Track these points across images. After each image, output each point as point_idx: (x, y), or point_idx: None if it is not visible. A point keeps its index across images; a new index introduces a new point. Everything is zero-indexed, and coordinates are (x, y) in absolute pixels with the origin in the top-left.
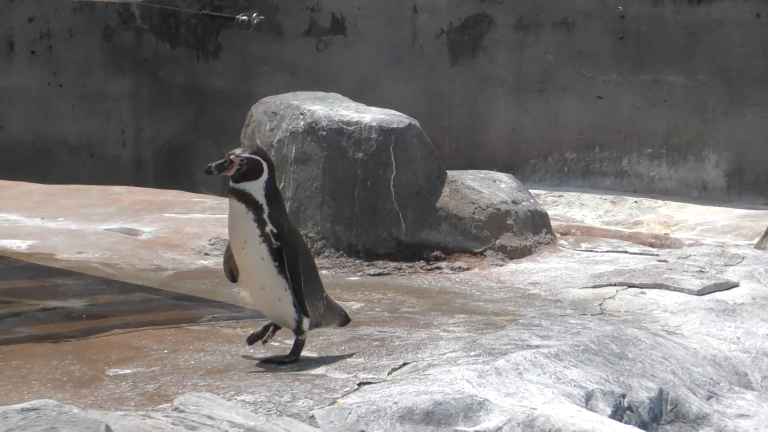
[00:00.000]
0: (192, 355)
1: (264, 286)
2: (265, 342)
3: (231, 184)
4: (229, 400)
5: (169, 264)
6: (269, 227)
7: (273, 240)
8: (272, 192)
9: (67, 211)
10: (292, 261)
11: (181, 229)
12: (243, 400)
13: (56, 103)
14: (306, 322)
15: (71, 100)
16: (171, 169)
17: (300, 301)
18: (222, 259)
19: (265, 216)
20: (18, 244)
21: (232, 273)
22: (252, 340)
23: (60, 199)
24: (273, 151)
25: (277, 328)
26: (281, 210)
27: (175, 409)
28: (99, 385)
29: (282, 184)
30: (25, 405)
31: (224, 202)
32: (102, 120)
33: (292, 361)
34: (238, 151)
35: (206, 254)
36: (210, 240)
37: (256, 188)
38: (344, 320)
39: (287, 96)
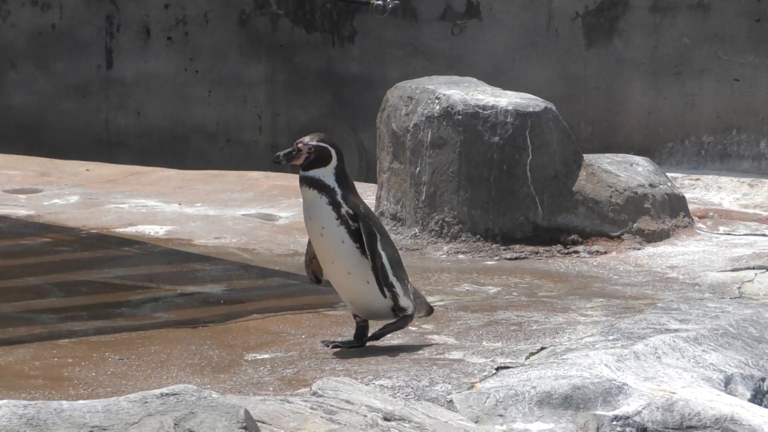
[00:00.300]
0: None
1: (349, 271)
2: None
3: (301, 172)
4: (367, 384)
5: None
6: (344, 208)
7: (350, 221)
8: (342, 177)
9: (204, 196)
10: (370, 238)
11: None
12: (381, 385)
13: (192, 89)
14: (403, 299)
15: (207, 86)
16: None
17: (384, 279)
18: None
19: (339, 197)
20: (156, 230)
21: (315, 275)
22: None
23: (197, 185)
24: (409, 136)
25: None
26: (354, 193)
27: (314, 393)
28: (237, 370)
29: (418, 168)
30: (165, 390)
31: (360, 187)
32: (238, 105)
33: (401, 326)
34: (306, 139)
35: None
36: None
37: (326, 174)
38: (429, 310)
39: (422, 80)
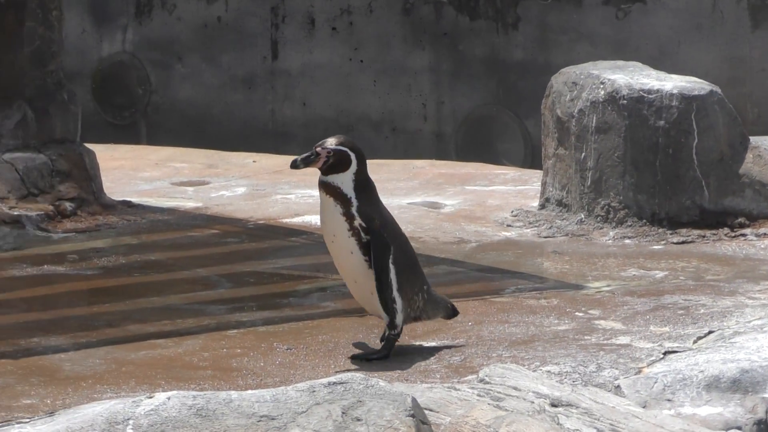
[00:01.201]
0: (496, 327)
1: (356, 280)
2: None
3: (320, 176)
4: (534, 371)
5: (472, 236)
6: (357, 221)
7: (362, 234)
8: (362, 184)
9: None
10: (378, 257)
11: (483, 201)
12: (548, 371)
13: (357, 78)
14: (399, 317)
15: (372, 76)
16: (472, 142)
17: (384, 299)
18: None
19: (354, 210)
20: None
21: None
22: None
23: None
24: (573, 122)
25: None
26: (372, 203)
27: (481, 380)
28: (404, 359)
29: (583, 154)
30: (332, 379)
31: (525, 173)
32: (402, 94)
33: (383, 356)
34: (329, 142)
35: (509, 226)
36: (512, 212)
37: (345, 181)
38: (450, 312)
39: (587, 66)
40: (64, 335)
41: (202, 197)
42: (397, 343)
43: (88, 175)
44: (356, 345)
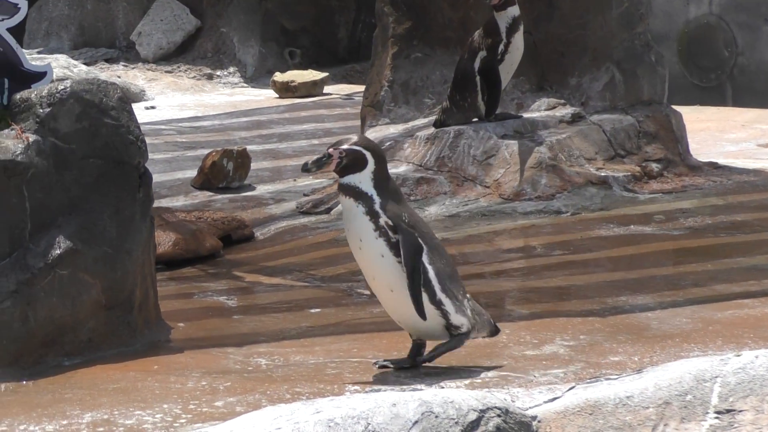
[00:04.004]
0: None
1: (392, 288)
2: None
3: (338, 181)
4: None
5: None
6: (383, 219)
7: (390, 233)
8: (383, 182)
9: None
10: (408, 254)
11: None
12: None
13: None
14: (456, 316)
15: None
16: None
17: (416, 300)
18: None
19: (377, 207)
20: None
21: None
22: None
23: None
24: None
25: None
26: (397, 201)
27: None
28: None
29: None
30: None
31: None
32: None
33: (453, 347)
34: (343, 143)
35: None
36: None
37: (363, 180)
38: (494, 330)
39: None
40: (651, 294)
41: None
42: None
43: (674, 137)
44: None
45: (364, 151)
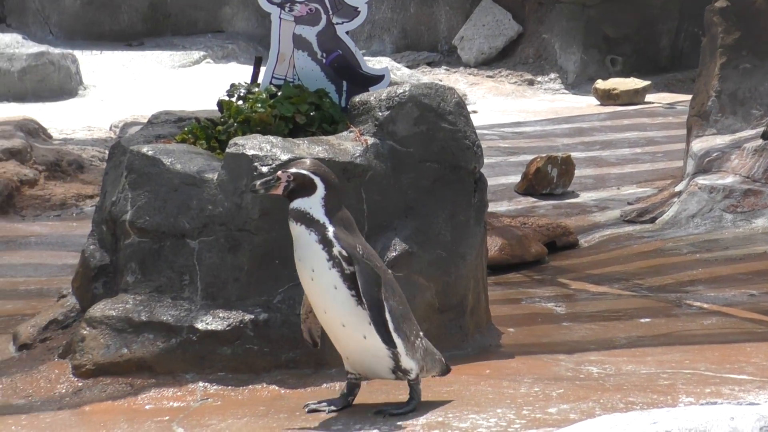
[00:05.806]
0: None
1: (344, 323)
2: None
3: (289, 206)
4: None
5: None
6: (337, 248)
7: (344, 264)
8: (334, 210)
9: None
10: (367, 285)
11: None
12: None
13: None
14: (405, 359)
15: None
16: None
17: (382, 333)
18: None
19: (330, 235)
20: None
21: (311, 334)
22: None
23: None
24: None
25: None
26: (350, 231)
27: None
28: None
29: None
30: None
31: None
32: None
33: (410, 410)
34: (293, 166)
35: None
36: None
37: (313, 205)
38: (444, 369)
39: None
40: None
41: None
42: None
43: None
44: None
45: (313, 176)
